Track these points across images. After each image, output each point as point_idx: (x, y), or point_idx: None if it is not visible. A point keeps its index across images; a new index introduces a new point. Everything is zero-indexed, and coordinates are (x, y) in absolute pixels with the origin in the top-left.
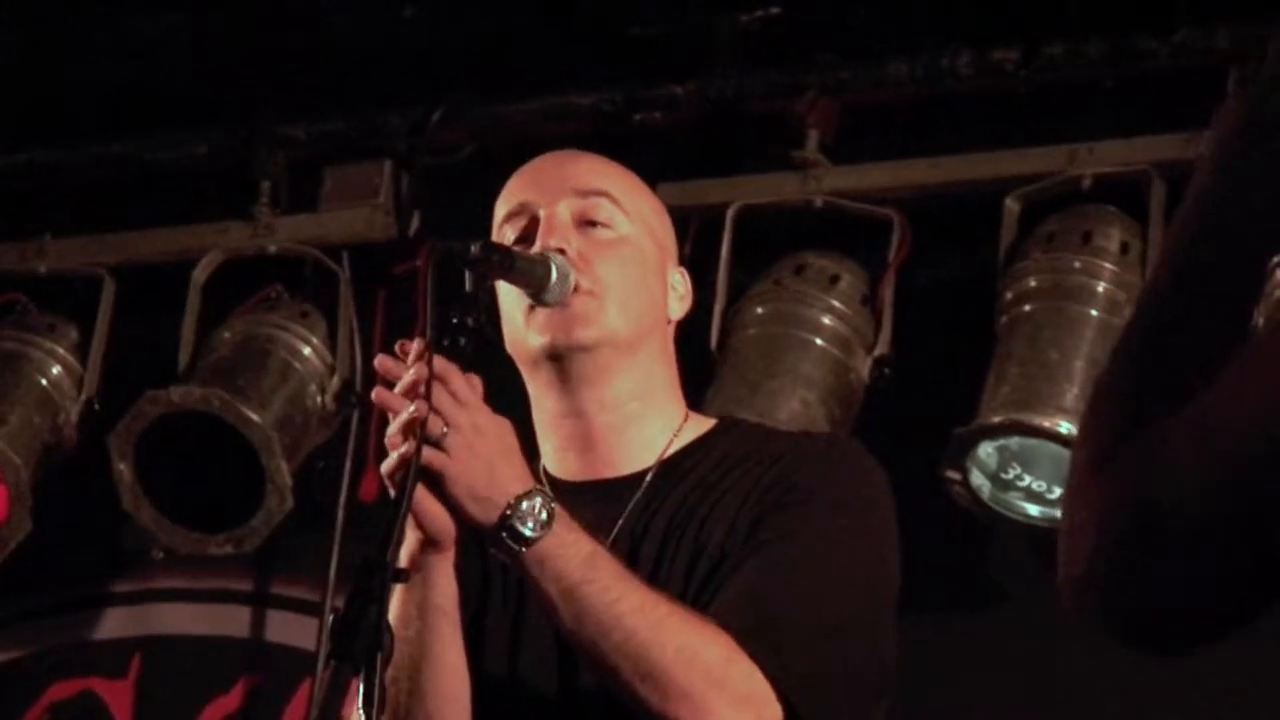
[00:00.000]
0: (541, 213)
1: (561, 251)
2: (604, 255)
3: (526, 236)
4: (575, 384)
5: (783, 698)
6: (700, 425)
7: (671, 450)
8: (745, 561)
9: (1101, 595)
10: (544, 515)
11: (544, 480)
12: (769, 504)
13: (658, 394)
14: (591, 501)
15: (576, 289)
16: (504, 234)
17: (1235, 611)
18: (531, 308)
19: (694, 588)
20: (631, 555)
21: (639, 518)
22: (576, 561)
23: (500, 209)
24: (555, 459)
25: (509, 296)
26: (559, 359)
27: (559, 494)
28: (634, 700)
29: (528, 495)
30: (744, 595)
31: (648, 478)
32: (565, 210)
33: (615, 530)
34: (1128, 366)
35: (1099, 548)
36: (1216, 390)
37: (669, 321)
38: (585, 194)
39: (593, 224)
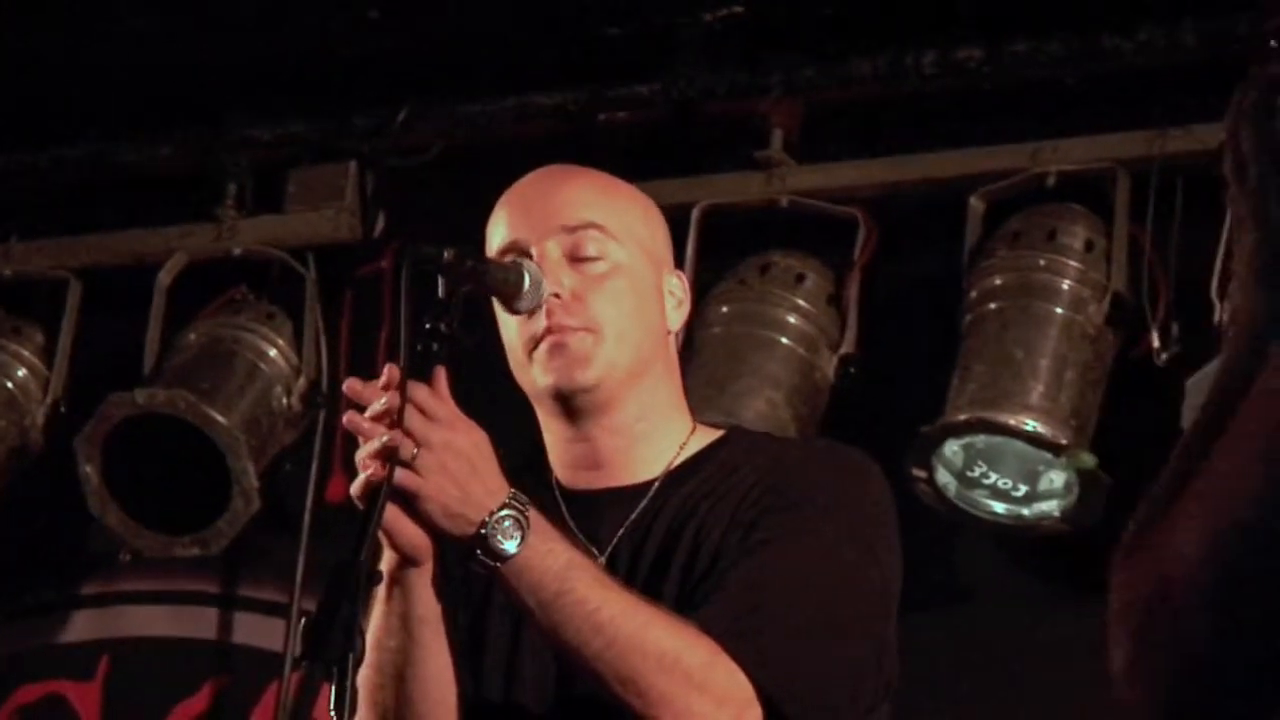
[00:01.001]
0: (533, 250)
1: (556, 295)
2: (598, 291)
3: None
4: (581, 415)
5: (765, 699)
6: (707, 436)
7: (678, 461)
8: (735, 564)
9: (1141, 688)
10: (518, 528)
11: (555, 490)
12: (764, 507)
13: (663, 410)
14: (600, 508)
15: (569, 328)
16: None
17: (1261, 686)
18: (531, 345)
19: (690, 587)
20: (634, 558)
21: (642, 523)
22: (553, 573)
23: (492, 240)
24: (565, 474)
25: (509, 328)
26: (564, 396)
27: (569, 504)
28: (620, 705)
29: (502, 509)
30: (730, 598)
31: (654, 486)
32: (555, 248)
33: (619, 535)
34: (1161, 479)
35: (1124, 642)
36: (1205, 470)
37: (669, 334)
38: (573, 229)
39: (584, 260)
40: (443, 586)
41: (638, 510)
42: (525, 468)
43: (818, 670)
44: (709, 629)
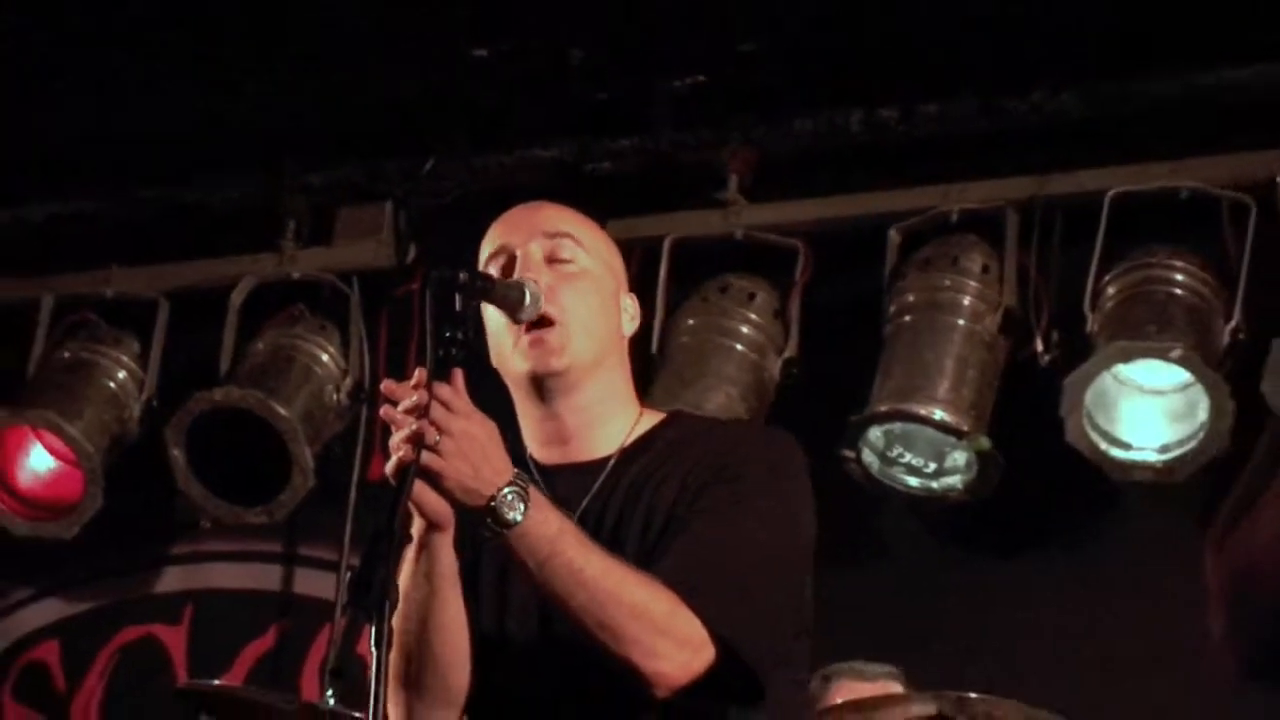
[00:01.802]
0: (518, 252)
1: (535, 283)
2: (569, 287)
3: (507, 273)
4: (551, 395)
5: (717, 640)
6: (653, 418)
7: (630, 440)
8: (688, 526)
9: (1235, 649)
10: (520, 501)
11: (530, 464)
12: (709, 479)
13: (618, 396)
14: (567, 481)
15: (546, 319)
16: (488, 271)
17: None
18: (516, 339)
19: (649, 545)
20: (598, 522)
21: (602, 494)
22: (546, 538)
23: (484, 250)
24: (538, 450)
25: (494, 322)
26: (538, 379)
27: (541, 475)
28: (596, 647)
29: (507, 486)
30: (686, 556)
31: (611, 462)
32: (537, 250)
33: (585, 503)
34: (1242, 484)
35: (1221, 614)
36: None
37: (623, 338)
38: (552, 235)
39: (559, 261)
40: (460, 547)
41: (598, 483)
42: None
43: (757, 616)
44: (669, 583)
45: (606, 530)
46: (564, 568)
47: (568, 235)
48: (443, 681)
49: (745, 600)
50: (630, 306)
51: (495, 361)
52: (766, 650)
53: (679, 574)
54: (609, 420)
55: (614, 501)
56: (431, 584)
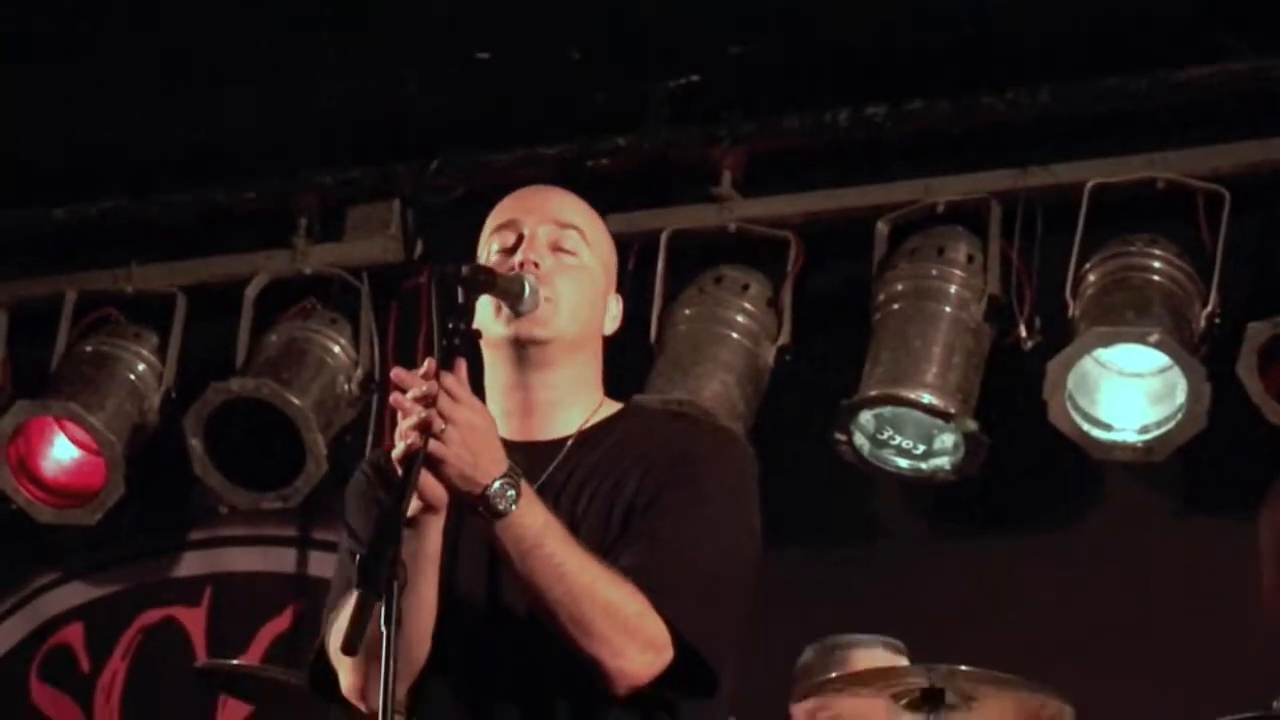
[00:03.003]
0: (526, 231)
1: (536, 265)
2: (567, 275)
3: (513, 249)
4: (527, 365)
5: (680, 642)
6: (611, 408)
7: (589, 425)
8: (652, 526)
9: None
10: (512, 493)
11: None
12: (669, 477)
13: (586, 383)
14: (524, 457)
15: (540, 298)
16: (491, 244)
17: None
18: (500, 306)
19: (611, 533)
20: (554, 503)
21: (558, 474)
22: (532, 530)
23: (492, 222)
24: (500, 421)
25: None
26: (520, 346)
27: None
28: (565, 639)
29: (502, 477)
30: (652, 556)
31: (568, 444)
32: (544, 235)
33: (541, 481)
34: None
35: (1272, 569)
36: None
37: (602, 334)
38: (562, 225)
39: (563, 250)
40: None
41: (555, 462)
42: None
43: (718, 617)
44: (634, 583)
45: (562, 512)
46: (545, 560)
47: (576, 228)
48: (405, 655)
49: (708, 603)
50: (614, 308)
51: (481, 327)
52: (725, 650)
53: (645, 575)
54: (573, 404)
55: (570, 484)
56: (416, 564)
